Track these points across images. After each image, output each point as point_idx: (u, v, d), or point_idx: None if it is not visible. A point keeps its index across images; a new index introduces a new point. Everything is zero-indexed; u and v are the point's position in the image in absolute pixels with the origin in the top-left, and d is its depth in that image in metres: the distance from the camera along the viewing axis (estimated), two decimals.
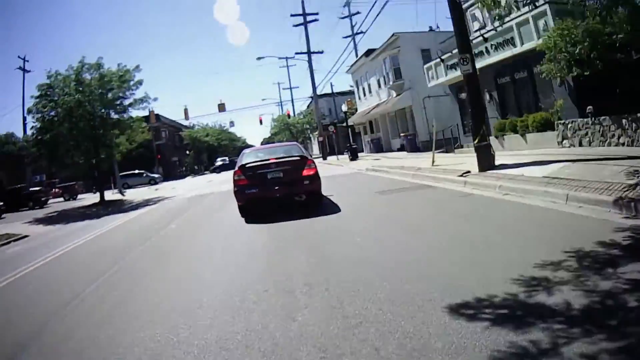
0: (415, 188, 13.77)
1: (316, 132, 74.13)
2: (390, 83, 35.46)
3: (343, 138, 63.28)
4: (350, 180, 20.27)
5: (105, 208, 25.47)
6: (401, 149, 36.39)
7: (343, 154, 45.44)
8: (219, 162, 68.45)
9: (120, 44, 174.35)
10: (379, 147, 41.77)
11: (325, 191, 13.62)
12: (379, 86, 39.98)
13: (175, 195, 27.11)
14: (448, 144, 27.95)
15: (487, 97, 23.17)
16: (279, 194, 11.61)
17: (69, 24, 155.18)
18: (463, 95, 26.83)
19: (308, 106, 78.08)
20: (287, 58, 73.69)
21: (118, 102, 29.23)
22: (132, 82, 29.15)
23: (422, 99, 33.41)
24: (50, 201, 41.07)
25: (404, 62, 34.26)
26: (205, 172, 71.04)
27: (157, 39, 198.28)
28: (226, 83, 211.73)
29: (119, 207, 25.29)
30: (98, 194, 32.27)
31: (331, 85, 70.80)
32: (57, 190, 46.98)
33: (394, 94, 36.16)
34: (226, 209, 14.56)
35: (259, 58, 51.07)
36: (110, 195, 36.08)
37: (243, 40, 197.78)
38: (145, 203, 24.84)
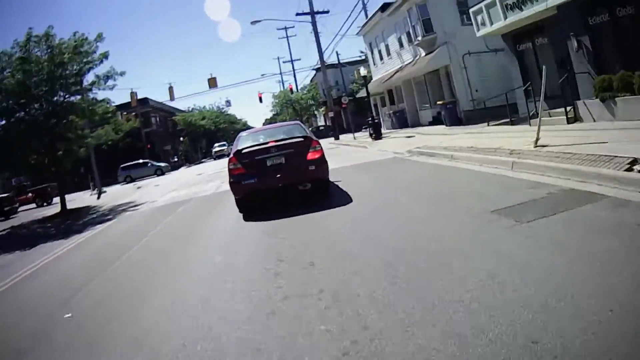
0: (572, 199, 6.70)
1: (322, 109, 67.48)
2: (419, 39, 28.23)
3: (353, 115, 56.56)
4: (397, 175, 13.44)
5: (61, 223, 19.41)
6: (435, 121, 29.50)
7: (359, 131, 38.59)
8: (216, 148, 61.71)
9: (106, 24, 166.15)
10: (403, 121, 34.76)
11: (365, 198, 10.09)
12: (401, 46, 32.81)
13: (148, 200, 20.45)
14: (501, 114, 21.31)
15: (574, 44, 16.24)
16: (280, 183, 10.07)
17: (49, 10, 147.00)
18: (525, 47, 20.01)
19: (312, 80, 70.81)
20: (285, 28, 67.52)
21: (72, 81, 22.28)
22: (95, 55, 22.53)
23: (461, 56, 26.54)
24: (21, 208, 35.76)
25: (434, 11, 27.03)
26: (204, 160, 64.20)
27: (146, 15, 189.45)
28: (222, 61, 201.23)
29: (76, 220, 19.21)
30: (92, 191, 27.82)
31: (337, 55, 62.60)
32: (29, 195, 40.75)
33: (423, 53, 29.10)
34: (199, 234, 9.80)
35: (253, 22, 43.60)
36: (87, 197, 31.64)
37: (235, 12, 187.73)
38: (108, 214, 18.54)
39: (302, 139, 10.42)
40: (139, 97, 60.69)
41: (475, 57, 26.72)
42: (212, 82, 41.85)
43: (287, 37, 67.36)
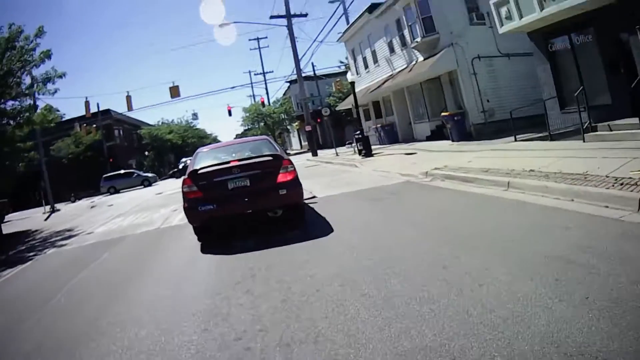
0: None
1: (296, 123, 63.21)
2: (417, 40, 24.06)
3: (331, 129, 52.51)
4: (436, 215, 8.96)
5: None
6: (434, 136, 25.55)
7: (338, 146, 34.33)
8: (181, 165, 56.83)
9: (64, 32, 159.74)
10: (392, 136, 30.63)
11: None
12: (392, 51, 28.77)
13: (84, 230, 15.88)
14: (520, 127, 17.89)
15: None
16: (245, 209, 8.74)
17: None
18: (560, 45, 16.09)
19: (285, 93, 66.59)
20: (258, 39, 63.45)
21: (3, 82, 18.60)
22: (35, 54, 19.15)
23: (470, 60, 22.62)
24: None
25: (437, 8, 22.99)
26: (165, 177, 59.20)
27: (111, 23, 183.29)
28: (191, 75, 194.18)
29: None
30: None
31: (313, 66, 58.19)
32: None
33: (421, 58, 25.11)
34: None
35: (221, 25, 39.75)
36: (39, 216, 28.48)
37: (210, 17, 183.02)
38: (38, 247, 14.50)
39: (270, 158, 9.16)
40: (102, 108, 56.26)
41: (486, 62, 22.98)
42: (175, 91, 36.83)
43: (259, 47, 63.50)
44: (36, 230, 20.37)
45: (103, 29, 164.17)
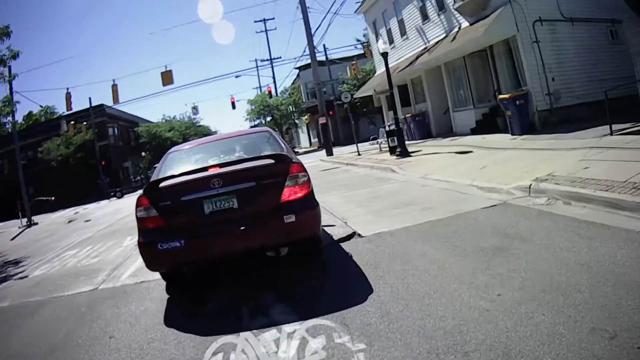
0: None
1: (305, 116, 57.40)
2: None
3: (343, 122, 46.84)
4: None
5: None
6: (480, 128, 19.79)
7: (350, 144, 28.68)
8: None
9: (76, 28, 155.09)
10: (424, 130, 24.78)
11: None
12: (425, 18, 22.95)
13: (26, 266, 12.07)
14: (595, 116, 14.01)
15: None
16: (230, 249, 5.74)
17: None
18: None
19: (294, 82, 60.78)
20: (264, 20, 57.88)
21: None
22: None
23: (531, 23, 16.83)
24: None
25: None
26: None
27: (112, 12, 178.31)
28: (193, 68, 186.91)
29: None
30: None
31: (325, 49, 51.98)
32: None
33: (465, 23, 19.45)
34: None
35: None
36: (13, 230, 25.36)
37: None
38: None
39: (271, 162, 5.74)
40: (96, 103, 51.24)
41: (549, 28, 17.22)
42: (167, 77, 30.99)
43: (266, 30, 57.82)
44: None
45: (102, 21, 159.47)
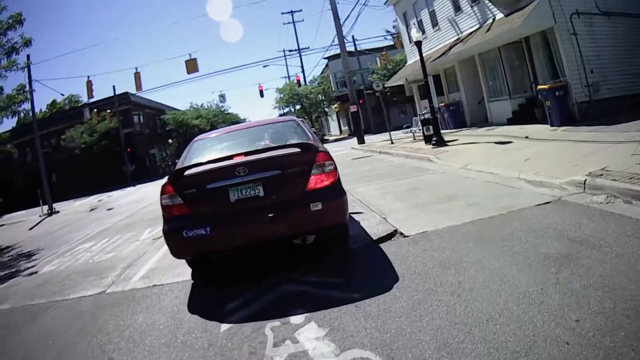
0: None
1: (335, 105, 57.32)
2: None
3: (374, 111, 46.74)
4: None
5: None
6: (517, 118, 19.44)
7: (380, 132, 28.64)
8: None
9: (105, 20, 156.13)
10: (459, 119, 24.52)
11: None
12: (458, 9, 22.63)
13: (34, 265, 11.03)
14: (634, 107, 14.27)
15: None
16: (256, 237, 5.76)
17: None
18: None
19: (322, 71, 60.59)
20: (292, 12, 57.68)
21: None
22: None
23: (569, 16, 16.49)
24: None
25: None
26: None
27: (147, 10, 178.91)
28: (220, 55, 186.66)
29: None
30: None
31: (354, 40, 51.92)
32: None
33: (499, 14, 19.14)
34: None
35: None
36: (33, 219, 25.30)
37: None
38: None
39: (297, 150, 5.84)
40: (120, 91, 51.60)
41: (586, 21, 16.93)
42: (191, 65, 30.50)
43: (294, 22, 57.62)
44: (5, 248, 16.06)
45: (126, 10, 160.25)
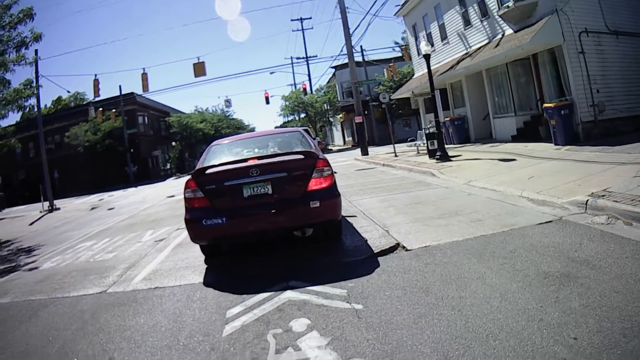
0: None
1: (340, 115, 57.44)
2: (510, 3, 18.06)
3: (378, 123, 46.92)
4: None
5: None
6: (522, 135, 19.50)
7: (384, 145, 28.50)
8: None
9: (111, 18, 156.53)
10: (463, 134, 24.59)
11: None
12: (467, 23, 22.77)
13: (34, 261, 10.72)
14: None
15: None
16: (264, 227, 6.82)
17: None
18: None
19: (329, 80, 60.75)
20: (301, 19, 57.89)
21: None
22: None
23: (577, 34, 16.59)
24: None
25: None
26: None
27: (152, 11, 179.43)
28: (227, 60, 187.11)
29: None
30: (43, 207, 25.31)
31: (362, 50, 51.82)
32: None
33: (509, 30, 19.27)
34: None
35: None
36: (33, 215, 25.51)
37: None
38: None
39: (301, 157, 6.99)
40: (126, 92, 51.70)
41: (594, 40, 17.06)
42: (199, 68, 30.55)
43: (303, 29, 57.81)
44: None
45: (136, 11, 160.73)
